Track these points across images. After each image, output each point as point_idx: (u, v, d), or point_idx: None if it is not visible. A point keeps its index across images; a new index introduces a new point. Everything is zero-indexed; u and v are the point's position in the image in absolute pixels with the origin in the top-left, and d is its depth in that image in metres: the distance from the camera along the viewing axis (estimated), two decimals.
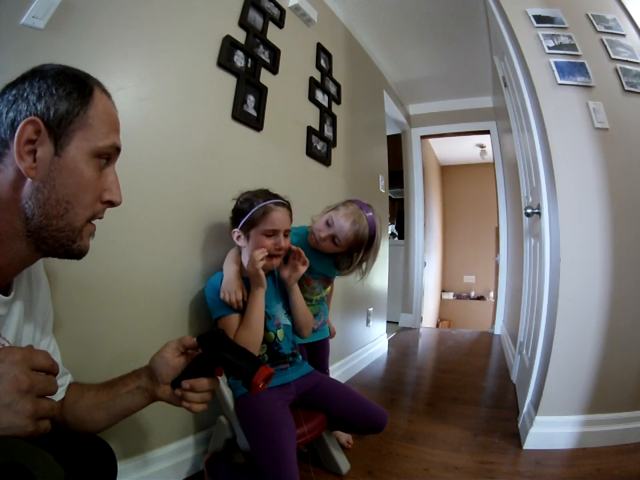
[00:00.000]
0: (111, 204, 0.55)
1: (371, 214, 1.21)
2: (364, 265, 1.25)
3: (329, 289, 1.39)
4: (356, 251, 1.20)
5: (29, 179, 0.48)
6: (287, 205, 1.14)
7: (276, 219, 1.09)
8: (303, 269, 1.15)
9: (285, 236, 1.12)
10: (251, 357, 0.61)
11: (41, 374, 0.43)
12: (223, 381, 1.07)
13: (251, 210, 1.09)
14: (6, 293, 0.52)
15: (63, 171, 0.49)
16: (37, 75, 0.50)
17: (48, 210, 0.49)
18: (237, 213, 1.14)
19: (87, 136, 0.51)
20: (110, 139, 0.53)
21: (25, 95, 0.48)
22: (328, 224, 1.19)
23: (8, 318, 0.53)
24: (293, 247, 1.14)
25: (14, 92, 0.49)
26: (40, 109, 0.48)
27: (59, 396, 0.62)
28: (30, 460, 0.39)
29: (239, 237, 1.13)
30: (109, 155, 0.54)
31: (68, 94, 0.49)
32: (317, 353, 1.39)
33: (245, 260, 1.14)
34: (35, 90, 0.48)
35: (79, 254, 0.54)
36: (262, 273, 1.06)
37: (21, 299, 0.57)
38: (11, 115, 0.48)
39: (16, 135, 0.46)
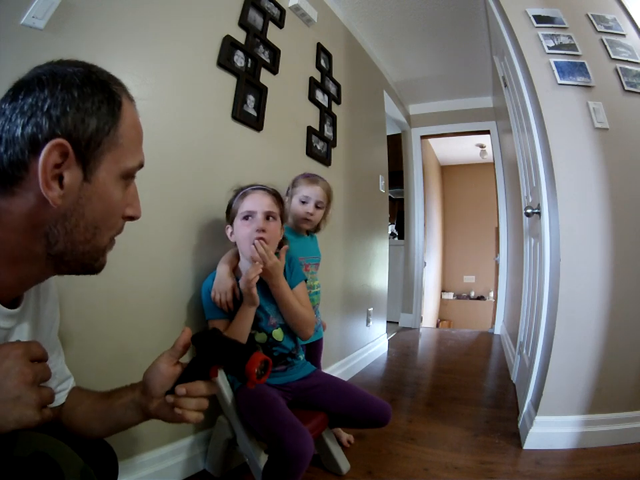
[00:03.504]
0: (131, 219, 0.53)
1: (311, 173, 1.38)
2: (328, 215, 1.39)
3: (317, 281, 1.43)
4: (329, 202, 1.35)
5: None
6: (267, 190, 1.10)
7: (250, 200, 1.07)
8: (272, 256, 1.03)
9: (273, 218, 1.06)
10: (244, 346, 0.58)
11: (37, 363, 0.44)
12: (221, 376, 1.06)
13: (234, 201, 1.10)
14: (15, 305, 0.51)
15: (92, 198, 0.45)
16: (59, 82, 0.43)
17: (75, 236, 0.46)
18: (227, 209, 1.14)
19: (117, 157, 0.47)
20: (138, 158, 0.51)
21: (46, 107, 0.41)
22: (303, 201, 1.29)
23: (16, 329, 0.52)
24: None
25: (30, 100, 0.41)
26: (65, 126, 0.42)
27: (60, 400, 0.61)
28: (53, 450, 0.40)
29: (231, 233, 1.12)
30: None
31: (97, 109, 0.44)
32: (311, 352, 1.40)
33: (243, 261, 1.12)
34: (57, 102, 0.42)
35: (99, 270, 0.53)
36: (254, 291, 1.01)
37: (29, 309, 0.56)
38: (29, 130, 0.41)
39: (41, 160, 0.40)
